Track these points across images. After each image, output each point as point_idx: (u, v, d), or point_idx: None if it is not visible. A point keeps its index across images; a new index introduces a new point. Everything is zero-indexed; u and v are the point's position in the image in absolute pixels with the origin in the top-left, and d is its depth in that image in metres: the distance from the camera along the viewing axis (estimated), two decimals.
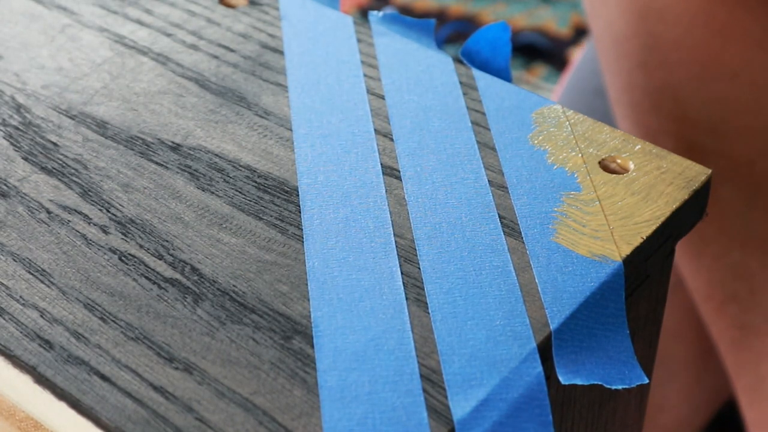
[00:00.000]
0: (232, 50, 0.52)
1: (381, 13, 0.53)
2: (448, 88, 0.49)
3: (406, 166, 0.46)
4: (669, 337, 0.74)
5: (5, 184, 0.46)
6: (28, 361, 0.40)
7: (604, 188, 0.45)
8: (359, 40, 0.52)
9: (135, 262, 0.43)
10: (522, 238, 0.43)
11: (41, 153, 0.47)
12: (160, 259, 0.43)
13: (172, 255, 0.43)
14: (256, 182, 0.46)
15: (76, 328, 0.41)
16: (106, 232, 0.44)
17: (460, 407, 0.37)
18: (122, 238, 0.44)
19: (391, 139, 0.47)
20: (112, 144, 0.48)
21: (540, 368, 0.39)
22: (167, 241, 0.44)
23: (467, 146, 0.47)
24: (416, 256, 0.42)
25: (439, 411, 0.37)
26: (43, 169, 0.47)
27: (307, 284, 0.42)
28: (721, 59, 0.67)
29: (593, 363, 0.40)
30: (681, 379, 0.74)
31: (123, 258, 0.43)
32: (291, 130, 0.48)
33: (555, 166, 0.46)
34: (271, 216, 0.44)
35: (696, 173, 0.45)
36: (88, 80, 0.51)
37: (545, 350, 0.40)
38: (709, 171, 0.45)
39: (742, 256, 0.68)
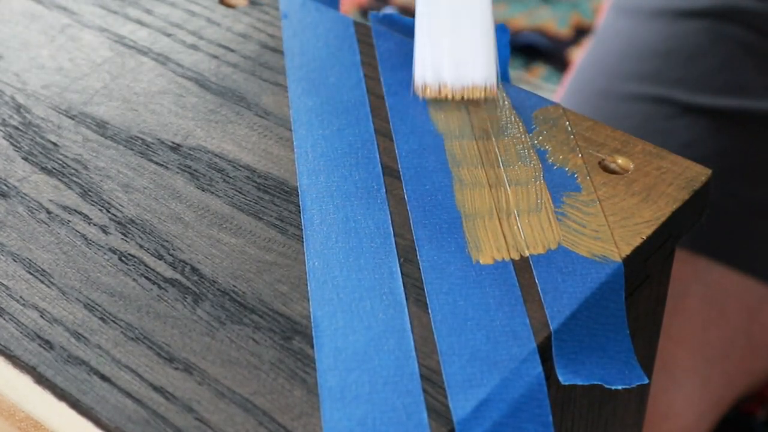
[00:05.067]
0: (232, 50, 0.52)
1: (381, 14, 0.53)
2: None
3: (406, 166, 0.46)
4: (673, 344, 0.74)
5: (5, 184, 0.46)
6: (28, 361, 0.40)
7: (604, 188, 0.45)
8: (359, 40, 0.52)
9: (135, 262, 0.43)
10: None
11: (41, 153, 0.47)
12: (160, 259, 0.43)
13: (172, 255, 0.43)
14: (256, 182, 0.46)
15: (76, 328, 0.41)
16: (106, 232, 0.44)
17: (460, 407, 0.37)
18: (122, 238, 0.44)
19: (391, 139, 0.47)
20: (112, 144, 0.48)
21: (540, 368, 0.39)
22: (167, 241, 0.43)
23: None
24: (416, 256, 0.42)
25: (439, 411, 0.37)
26: (43, 169, 0.47)
27: (307, 284, 0.42)
28: None
29: (593, 363, 0.40)
30: (685, 387, 0.74)
31: (123, 258, 0.43)
32: (291, 130, 0.48)
33: (555, 166, 0.46)
34: (271, 216, 0.44)
35: (696, 173, 0.45)
36: (88, 80, 0.51)
37: (545, 350, 0.40)
38: (709, 171, 0.45)
39: None
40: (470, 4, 0.48)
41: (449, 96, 0.47)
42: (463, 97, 0.47)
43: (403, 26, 0.52)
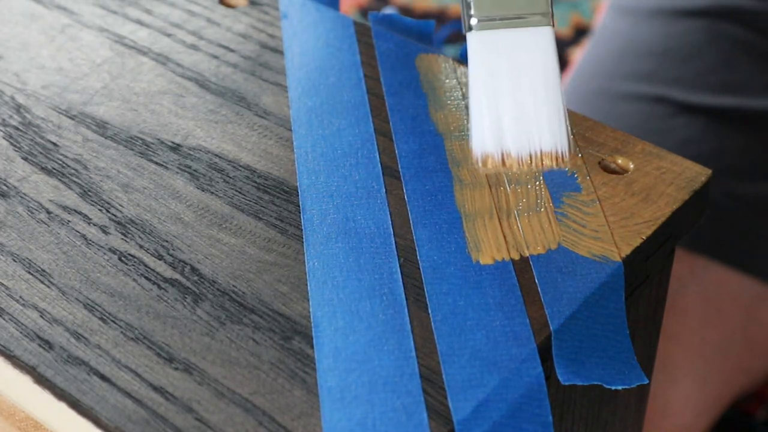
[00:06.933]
0: (232, 50, 0.52)
1: (381, 14, 0.53)
2: None
3: (406, 166, 0.46)
4: (671, 342, 0.74)
5: (5, 184, 0.46)
6: (28, 361, 0.40)
7: (604, 189, 0.45)
8: (359, 40, 0.52)
9: (135, 262, 0.43)
10: None
11: (41, 153, 0.47)
12: (159, 260, 0.43)
13: (172, 255, 0.43)
14: (255, 182, 0.46)
15: (76, 328, 0.41)
16: (106, 233, 0.44)
17: (460, 408, 0.38)
18: (122, 239, 0.44)
19: (391, 139, 0.47)
20: (112, 144, 0.48)
21: (540, 369, 0.39)
22: (167, 241, 0.44)
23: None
24: (416, 256, 0.42)
25: (439, 411, 0.38)
26: (43, 169, 0.47)
27: (307, 284, 0.42)
28: None
29: (593, 363, 0.40)
30: (683, 385, 0.74)
31: (123, 258, 0.43)
32: (291, 130, 0.48)
33: None
34: (271, 216, 0.44)
35: (696, 173, 0.45)
36: (88, 80, 0.51)
37: (545, 350, 0.40)
38: (709, 171, 0.45)
39: None
40: (532, 60, 0.43)
41: (515, 166, 0.43)
42: (532, 166, 0.43)
43: (403, 26, 0.52)
